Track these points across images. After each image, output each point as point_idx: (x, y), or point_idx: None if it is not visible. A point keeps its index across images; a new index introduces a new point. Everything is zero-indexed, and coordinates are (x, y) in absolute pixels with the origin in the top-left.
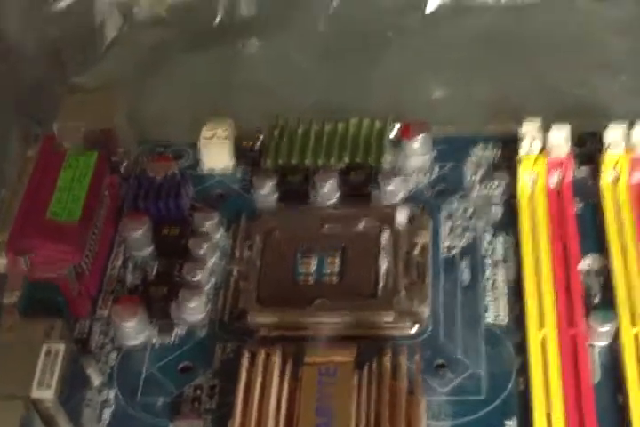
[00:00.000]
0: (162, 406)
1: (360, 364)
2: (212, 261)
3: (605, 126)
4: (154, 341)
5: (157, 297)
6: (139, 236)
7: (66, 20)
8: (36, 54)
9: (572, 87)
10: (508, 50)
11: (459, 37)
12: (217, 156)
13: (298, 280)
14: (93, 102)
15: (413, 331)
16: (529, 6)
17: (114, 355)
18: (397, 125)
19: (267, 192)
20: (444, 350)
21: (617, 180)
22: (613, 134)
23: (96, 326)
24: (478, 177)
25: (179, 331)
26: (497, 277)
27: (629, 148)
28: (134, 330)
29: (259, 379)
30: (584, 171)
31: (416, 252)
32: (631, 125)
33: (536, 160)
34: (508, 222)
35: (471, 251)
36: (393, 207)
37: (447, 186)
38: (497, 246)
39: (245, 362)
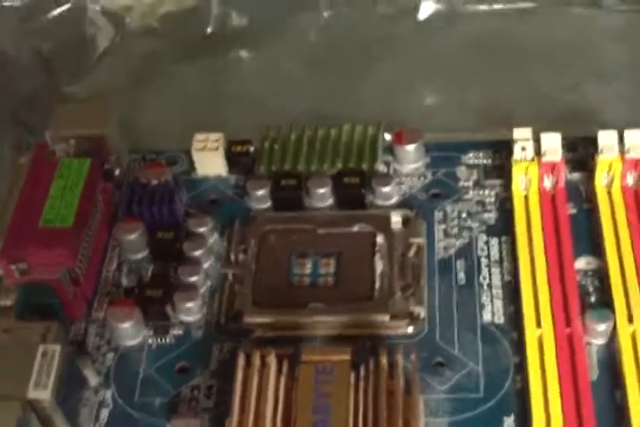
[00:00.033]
0: (159, 406)
1: (356, 363)
2: (206, 265)
3: (597, 132)
4: (150, 341)
5: (153, 299)
6: (133, 239)
7: (58, 30)
8: (28, 65)
9: (564, 94)
10: (500, 57)
11: (451, 44)
12: (209, 165)
13: (293, 282)
14: (85, 111)
15: (410, 330)
16: (522, 13)
17: (110, 356)
18: (388, 136)
19: (260, 197)
20: (442, 348)
21: (611, 183)
22: (606, 138)
23: (92, 329)
24: (471, 182)
25: (175, 332)
26: (492, 277)
27: (623, 151)
28: (130, 331)
29: (255, 378)
30: (576, 175)
31: (411, 254)
32: (622, 131)
33: (529, 164)
34: (503, 225)
35: (466, 252)
36: (387, 211)
37: (441, 190)
38: (492, 247)
39: (241, 362)
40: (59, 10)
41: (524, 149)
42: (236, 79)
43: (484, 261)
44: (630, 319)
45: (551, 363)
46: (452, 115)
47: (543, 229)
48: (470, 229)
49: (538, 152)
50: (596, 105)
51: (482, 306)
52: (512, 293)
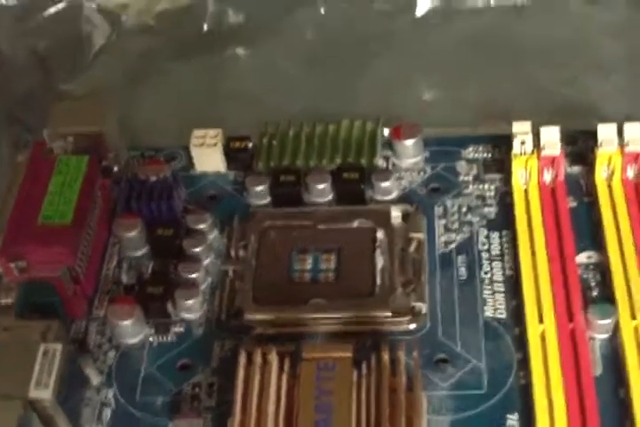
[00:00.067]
0: (161, 404)
1: (358, 360)
2: (206, 261)
3: (596, 125)
4: (151, 339)
5: (154, 296)
6: (133, 236)
7: (54, 28)
8: (25, 63)
9: (563, 87)
10: (498, 52)
11: (449, 40)
12: (208, 161)
13: (293, 277)
14: (82, 108)
15: (412, 327)
16: (519, 9)
17: (112, 354)
18: (387, 131)
19: (259, 193)
20: (444, 345)
21: (611, 176)
22: (606, 132)
23: (92, 326)
24: (471, 176)
25: (176, 329)
26: (494, 272)
27: (622, 144)
28: (131, 329)
29: (257, 376)
30: (576, 169)
31: (412, 249)
32: (622, 124)
33: (528, 158)
34: (503, 219)
35: (467, 247)
36: (387, 206)
37: (440, 185)
38: (493, 242)
39: (243, 360)
40: (54, 8)
41: (523, 142)
42: (232, 76)
43: (484, 255)
44: (633, 313)
45: (554, 359)
46: (451, 110)
47: (544, 222)
48: (471, 223)
49: (537, 146)
50: (594, 98)
51: (484, 301)
52: (514, 287)
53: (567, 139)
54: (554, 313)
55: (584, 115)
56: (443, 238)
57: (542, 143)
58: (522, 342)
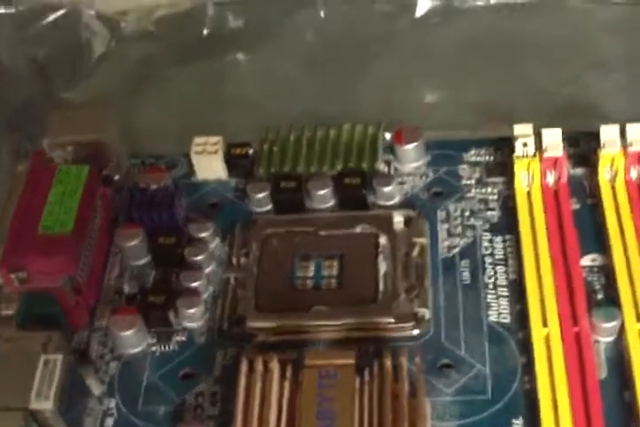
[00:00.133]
0: (164, 414)
1: (361, 367)
2: (208, 270)
3: (599, 126)
4: (154, 349)
5: (156, 305)
6: (134, 245)
7: (53, 36)
8: (25, 71)
9: (564, 88)
10: (498, 52)
11: (449, 41)
12: (209, 168)
13: (296, 284)
14: (83, 117)
15: (415, 333)
16: (519, 8)
17: (114, 364)
18: (388, 135)
19: (261, 200)
20: (448, 350)
21: (614, 178)
22: (608, 133)
23: (94, 337)
24: (474, 180)
25: (178, 338)
26: (498, 276)
27: (625, 145)
28: (133, 339)
29: (258, 384)
30: (579, 171)
31: (414, 254)
32: (624, 125)
33: (530, 161)
34: (507, 223)
35: (470, 251)
36: (389, 211)
37: (443, 189)
38: (496, 246)
39: (244, 368)
40: (53, 15)
41: (525, 145)
42: (233, 81)
43: (488, 259)
44: (638, 316)
45: (559, 363)
46: (452, 112)
47: (547, 225)
48: (474, 227)
49: (539, 148)
50: (596, 98)
51: (487, 306)
52: (518, 291)
53: (569, 140)
54: (558, 317)
55: (585, 115)
56: (446, 243)
57: (544, 145)
58: (526, 347)
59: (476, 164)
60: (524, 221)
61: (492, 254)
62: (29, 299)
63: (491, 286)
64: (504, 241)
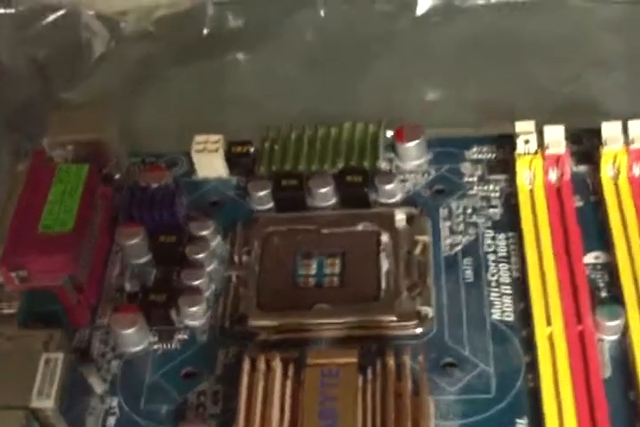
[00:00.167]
0: (166, 413)
1: (364, 365)
2: (210, 268)
3: (600, 123)
4: (155, 347)
5: (157, 304)
6: (135, 244)
7: (53, 36)
8: (25, 71)
9: (565, 86)
10: (499, 50)
11: (449, 39)
12: (210, 166)
13: (298, 283)
14: (82, 116)
15: (418, 331)
16: (521, 6)
17: (115, 363)
18: (389, 133)
19: (262, 198)
20: (451, 348)
21: (617, 175)
22: (610, 130)
23: (96, 335)
24: (476, 177)
25: (180, 337)
26: (501, 274)
27: (627, 142)
28: (135, 338)
29: (261, 383)
30: (582, 168)
31: (417, 252)
32: (626, 121)
33: (533, 158)
34: (509, 220)
35: (473, 249)
36: (391, 209)
37: (445, 186)
38: (499, 243)
39: (246, 366)
40: (53, 16)
41: (527, 142)
42: (233, 81)
43: (491, 257)
44: None
45: (563, 361)
46: (453, 110)
47: (550, 223)
48: (476, 225)
49: (541, 145)
50: (597, 96)
51: (491, 304)
52: (521, 289)
53: (571, 138)
54: (562, 315)
55: (586, 113)
56: (448, 241)
57: (546, 142)
58: (530, 345)
59: (477, 161)
60: (526, 219)
61: (494, 252)
62: (31, 297)
63: (494, 284)
64: (507, 239)
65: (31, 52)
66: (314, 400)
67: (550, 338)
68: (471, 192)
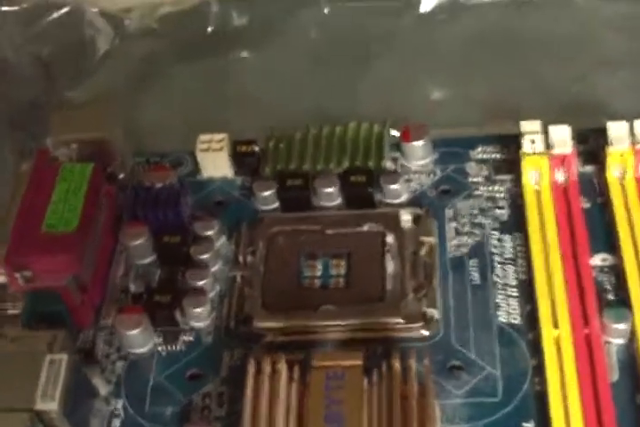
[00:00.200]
0: (170, 415)
1: (369, 368)
2: (215, 268)
3: (606, 123)
4: (160, 348)
5: (162, 304)
6: (140, 244)
7: (57, 34)
8: (29, 70)
9: (571, 85)
10: (504, 49)
11: (454, 37)
12: (214, 166)
13: (303, 284)
14: (86, 115)
15: (424, 333)
16: (526, 4)
17: (120, 364)
18: (394, 133)
19: (267, 198)
20: (457, 351)
21: (623, 175)
22: (616, 129)
23: (100, 336)
24: (482, 177)
25: (185, 338)
26: (507, 276)
27: (634, 142)
28: (139, 339)
29: (266, 385)
30: (589, 168)
31: (423, 253)
32: (632, 121)
33: (539, 158)
34: (515, 221)
35: (479, 250)
36: (396, 209)
37: (451, 187)
38: (505, 244)
39: (252, 369)
40: (57, 13)
41: (533, 142)
42: (237, 79)
43: (497, 258)
44: None
45: (569, 364)
46: (458, 109)
47: (557, 224)
48: (482, 226)
49: (547, 145)
50: (603, 95)
51: (497, 306)
52: (527, 291)
53: (578, 137)
54: (569, 318)
55: (593, 113)
56: (454, 242)
57: (553, 142)
58: (536, 348)
59: (483, 161)
60: (532, 220)
61: (501, 253)
62: (34, 297)
63: (500, 286)
64: (513, 240)
65: (35, 50)
66: (319, 404)
67: (557, 341)
68: (477, 192)
